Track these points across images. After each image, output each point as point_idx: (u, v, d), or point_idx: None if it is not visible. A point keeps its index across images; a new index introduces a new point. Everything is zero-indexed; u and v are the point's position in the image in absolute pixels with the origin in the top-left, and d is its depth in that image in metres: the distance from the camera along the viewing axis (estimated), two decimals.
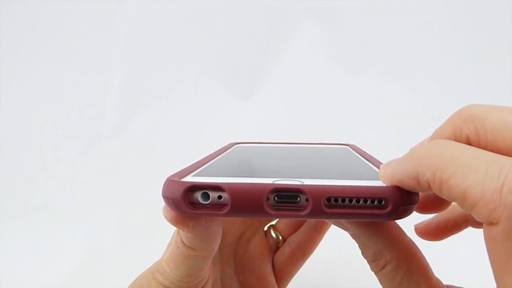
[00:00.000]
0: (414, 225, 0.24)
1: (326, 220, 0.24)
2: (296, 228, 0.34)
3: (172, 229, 0.25)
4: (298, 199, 0.19)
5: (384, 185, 0.18)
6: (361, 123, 0.67)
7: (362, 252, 0.21)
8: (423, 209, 0.22)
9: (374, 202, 0.18)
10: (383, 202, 0.18)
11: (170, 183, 0.20)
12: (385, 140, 0.62)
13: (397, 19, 0.69)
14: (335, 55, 0.71)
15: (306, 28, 0.71)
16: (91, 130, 0.68)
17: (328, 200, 0.18)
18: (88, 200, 0.59)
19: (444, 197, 0.16)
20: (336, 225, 0.22)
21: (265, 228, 0.35)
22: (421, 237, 0.24)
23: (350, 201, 0.18)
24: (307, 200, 0.18)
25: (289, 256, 0.33)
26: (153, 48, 0.72)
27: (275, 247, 0.34)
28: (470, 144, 0.17)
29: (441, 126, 0.19)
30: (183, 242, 0.23)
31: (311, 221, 0.34)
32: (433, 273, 0.20)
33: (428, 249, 0.23)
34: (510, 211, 0.13)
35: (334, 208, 0.18)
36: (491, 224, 0.14)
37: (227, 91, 0.71)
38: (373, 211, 0.18)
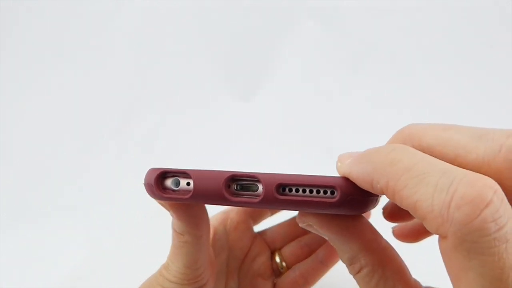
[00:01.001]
0: (392, 228, 0.24)
1: (279, 209, 0.24)
2: (301, 258, 0.35)
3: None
4: (257, 189, 0.20)
5: (337, 176, 0.19)
6: (361, 123, 0.67)
7: (339, 256, 0.21)
8: (392, 218, 0.23)
9: (326, 192, 0.19)
10: (334, 193, 0.19)
11: (149, 171, 0.23)
12: (385, 143, 0.61)
13: (398, 19, 0.68)
14: (336, 55, 0.70)
15: (306, 28, 0.71)
16: (91, 130, 0.69)
17: (283, 189, 0.19)
18: (88, 200, 0.59)
19: (397, 204, 0.16)
20: (311, 230, 0.22)
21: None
22: (398, 239, 0.24)
23: (304, 191, 0.19)
24: (263, 189, 0.19)
25: (292, 281, 0.34)
26: (153, 48, 0.72)
27: (278, 272, 0.35)
28: None
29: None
30: (175, 230, 0.26)
31: (266, 210, 0.35)
32: (410, 276, 0.20)
33: (408, 250, 0.23)
34: (456, 227, 0.14)
35: (286, 195, 0.19)
36: (441, 236, 0.14)
37: (228, 91, 0.71)
38: (323, 200, 0.18)
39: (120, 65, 0.72)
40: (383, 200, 0.21)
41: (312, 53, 0.71)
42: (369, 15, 0.69)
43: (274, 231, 0.36)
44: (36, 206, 0.59)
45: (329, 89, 0.70)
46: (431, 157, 0.16)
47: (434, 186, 0.14)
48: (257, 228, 0.37)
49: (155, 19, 0.72)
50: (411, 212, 0.15)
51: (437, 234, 0.15)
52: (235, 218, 0.34)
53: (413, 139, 0.18)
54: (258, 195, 0.20)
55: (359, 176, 0.17)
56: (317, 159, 0.61)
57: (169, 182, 0.22)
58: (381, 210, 0.23)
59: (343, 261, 0.21)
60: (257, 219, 0.36)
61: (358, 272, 0.20)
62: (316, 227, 0.21)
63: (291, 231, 0.35)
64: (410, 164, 0.15)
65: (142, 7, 0.72)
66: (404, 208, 0.15)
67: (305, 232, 0.34)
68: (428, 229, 0.15)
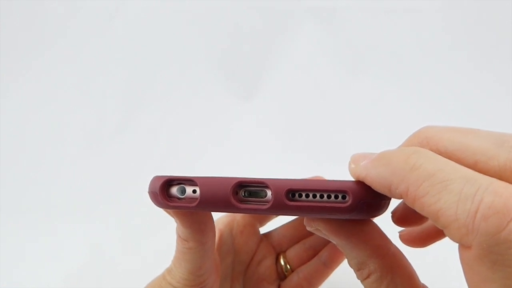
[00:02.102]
0: (398, 232, 0.24)
1: (289, 215, 0.24)
2: (306, 260, 0.34)
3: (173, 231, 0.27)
4: (265, 195, 0.19)
5: (347, 180, 0.18)
6: (361, 124, 0.66)
7: (348, 261, 0.21)
8: (401, 223, 0.22)
9: (338, 197, 0.18)
10: (346, 198, 0.18)
11: (154, 178, 0.22)
12: (386, 143, 0.61)
13: (399, 19, 0.68)
14: (336, 56, 0.70)
15: (306, 29, 0.71)
16: (91, 130, 0.68)
17: (293, 194, 0.19)
18: (88, 200, 0.59)
19: (417, 211, 0.15)
20: (319, 234, 0.21)
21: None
22: (405, 244, 0.24)
23: (314, 196, 0.18)
24: (272, 195, 0.19)
25: (295, 285, 0.34)
26: (153, 48, 0.72)
27: (283, 275, 0.35)
28: None
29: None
30: (179, 236, 0.26)
31: (274, 216, 0.35)
32: (419, 282, 0.20)
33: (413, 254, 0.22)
34: (482, 238, 0.13)
35: (296, 201, 0.19)
36: (464, 246, 0.14)
37: (228, 91, 0.71)
38: (334, 205, 0.18)
39: (120, 65, 0.71)
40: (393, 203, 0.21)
41: (313, 53, 0.71)
42: (370, 15, 0.68)
43: (280, 233, 0.36)
44: (36, 206, 0.59)
45: (333, 89, 0.69)
46: (453, 162, 0.15)
47: (458, 194, 0.14)
48: (263, 229, 0.37)
49: (155, 19, 0.72)
50: (432, 220, 0.15)
51: (460, 243, 0.14)
52: (242, 222, 0.34)
53: (430, 142, 0.17)
54: (267, 202, 0.19)
55: (376, 180, 0.17)
56: (320, 160, 0.60)
57: (174, 190, 0.21)
58: (390, 214, 0.23)
59: (351, 266, 0.21)
60: (263, 220, 0.35)
61: (367, 277, 0.20)
62: (324, 232, 0.20)
63: (297, 233, 0.35)
64: (432, 169, 0.15)
65: (141, 7, 0.72)
66: (424, 215, 0.15)
67: (310, 233, 0.34)
68: (450, 238, 0.14)
